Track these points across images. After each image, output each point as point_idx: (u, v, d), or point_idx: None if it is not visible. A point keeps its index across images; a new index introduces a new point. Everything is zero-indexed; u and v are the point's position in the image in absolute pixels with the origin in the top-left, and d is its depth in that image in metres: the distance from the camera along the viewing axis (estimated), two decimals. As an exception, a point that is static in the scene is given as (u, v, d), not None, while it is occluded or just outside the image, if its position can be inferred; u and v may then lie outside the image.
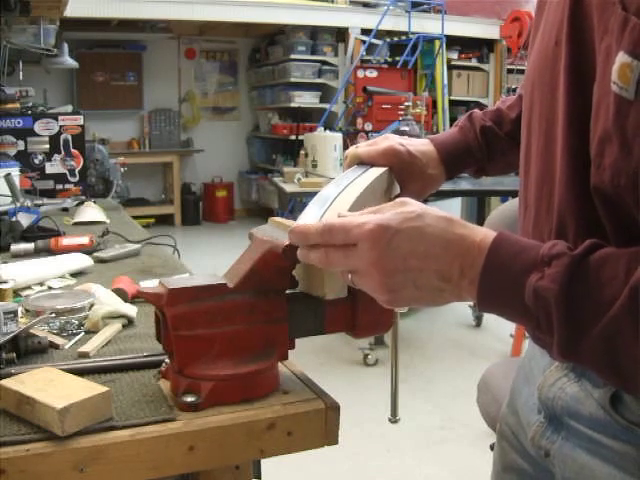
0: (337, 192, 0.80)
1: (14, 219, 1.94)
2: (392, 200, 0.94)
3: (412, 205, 0.64)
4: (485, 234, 0.62)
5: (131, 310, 1.17)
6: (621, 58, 0.55)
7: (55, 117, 2.84)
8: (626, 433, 0.67)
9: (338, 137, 4.63)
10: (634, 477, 0.67)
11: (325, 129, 5.21)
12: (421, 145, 0.97)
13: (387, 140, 0.93)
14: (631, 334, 0.54)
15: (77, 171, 2.86)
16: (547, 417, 0.78)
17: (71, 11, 3.81)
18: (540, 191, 0.71)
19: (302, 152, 4.68)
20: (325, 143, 4.57)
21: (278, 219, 0.91)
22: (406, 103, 4.31)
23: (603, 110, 0.58)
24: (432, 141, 0.99)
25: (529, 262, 0.59)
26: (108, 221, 2.26)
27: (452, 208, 6.19)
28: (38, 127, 2.80)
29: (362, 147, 0.94)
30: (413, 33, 7.24)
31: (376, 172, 0.89)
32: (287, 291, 0.85)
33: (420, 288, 0.63)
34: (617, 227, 0.63)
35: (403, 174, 0.93)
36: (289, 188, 4.14)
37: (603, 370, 0.59)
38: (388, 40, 7.57)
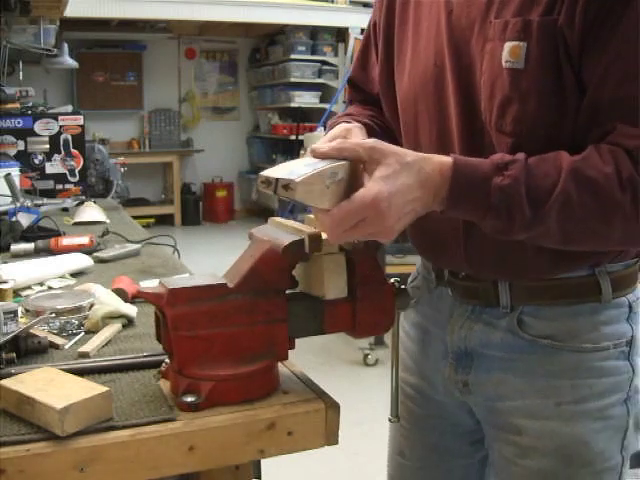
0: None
1: (14, 219, 1.94)
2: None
3: (390, 163, 0.77)
4: (442, 162, 0.79)
5: (131, 310, 1.17)
6: (509, 45, 0.81)
7: (55, 117, 2.84)
8: (531, 346, 0.90)
9: (338, 137, 4.61)
10: (538, 376, 0.89)
11: (325, 129, 5.20)
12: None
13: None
14: (571, 204, 0.77)
15: (77, 171, 2.86)
16: (455, 358, 0.96)
17: (71, 11, 3.81)
18: None
19: (302, 152, 4.68)
20: (325, 143, 4.56)
21: (278, 219, 0.91)
22: (406, 103, 4.30)
23: (499, 86, 0.83)
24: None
25: (488, 171, 0.78)
26: (108, 221, 2.26)
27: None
28: (38, 127, 2.80)
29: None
30: (413, 33, 7.23)
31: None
32: (287, 291, 0.85)
33: (413, 217, 0.80)
34: None
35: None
36: (289, 188, 4.14)
37: (555, 235, 0.79)
38: (388, 40, 7.56)
